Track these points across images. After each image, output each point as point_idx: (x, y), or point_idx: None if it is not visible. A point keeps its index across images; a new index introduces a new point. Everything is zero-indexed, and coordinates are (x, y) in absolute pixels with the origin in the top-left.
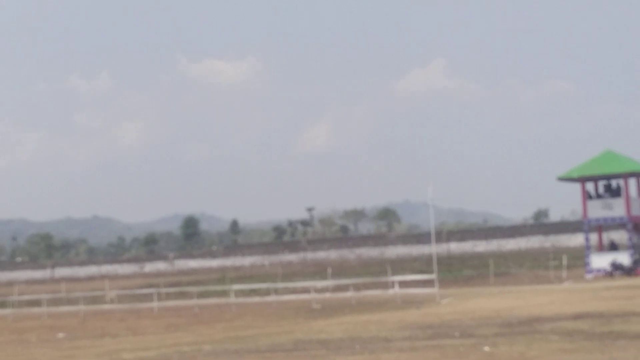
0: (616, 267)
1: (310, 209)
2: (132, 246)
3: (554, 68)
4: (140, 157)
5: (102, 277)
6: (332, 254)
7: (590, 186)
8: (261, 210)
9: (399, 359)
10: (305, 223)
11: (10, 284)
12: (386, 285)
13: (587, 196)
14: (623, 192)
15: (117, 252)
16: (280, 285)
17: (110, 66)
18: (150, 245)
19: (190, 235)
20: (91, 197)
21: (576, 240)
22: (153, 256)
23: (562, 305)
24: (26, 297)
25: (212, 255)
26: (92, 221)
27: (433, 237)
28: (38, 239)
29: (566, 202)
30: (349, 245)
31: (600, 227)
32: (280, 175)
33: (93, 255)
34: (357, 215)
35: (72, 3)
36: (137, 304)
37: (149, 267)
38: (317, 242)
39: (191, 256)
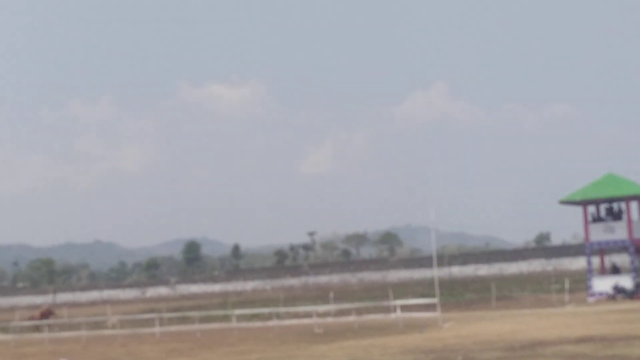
0: (618, 290)
1: (311, 234)
2: (134, 271)
3: (555, 91)
4: (141, 182)
5: (104, 302)
6: (334, 278)
7: (592, 209)
8: (263, 235)
9: None
10: (307, 247)
11: (11, 309)
12: (388, 310)
13: (589, 219)
14: (625, 215)
15: (118, 277)
16: (282, 309)
17: (112, 92)
18: (152, 270)
19: (192, 260)
20: (92, 222)
21: (578, 263)
22: (155, 281)
23: (564, 329)
24: (28, 323)
25: (214, 280)
26: (94, 246)
27: (435, 261)
28: (39, 264)
29: (568, 226)
30: (351, 270)
31: (602, 250)
32: (281, 199)
33: (94, 280)
34: (359, 239)
35: (73, 29)
36: (139, 329)
37: (151, 292)
38: (319, 267)
39: (193, 281)
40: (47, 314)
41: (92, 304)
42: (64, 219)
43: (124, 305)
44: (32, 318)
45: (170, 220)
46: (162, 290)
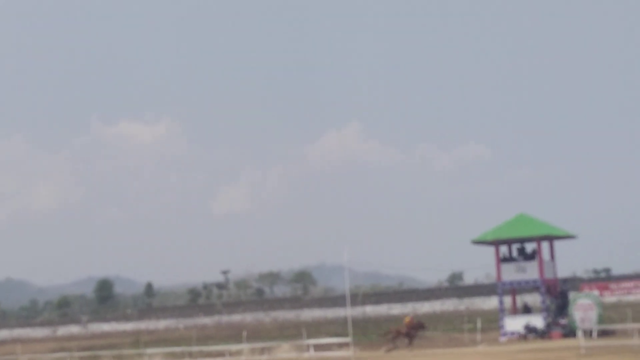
0: (530, 329)
1: (225, 272)
2: (45, 309)
3: (468, 132)
4: (54, 220)
5: (14, 340)
6: (247, 317)
7: (504, 249)
8: (176, 274)
9: None
10: (220, 286)
11: None
12: (302, 348)
13: (501, 259)
14: (536, 255)
15: (29, 315)
16: (195, 348)
17: (24, 129)
18: (64, 309)
19: (105, 299)
20: (3, 260)
21: (490, 303)
22: (66, 319)
23: None
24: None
25: (127, 318)
26: (4, 284)
27: (348, 300)
28: None
29: (480, 265)
30: (265, 308)
31: (514, 290)
32: (195, 237)
33: (5, 319)
34: (273, 278)
35: None
36: None
37: (62, 330)
38: (233, 305)
39: (105, 319)
40: (416, 326)
41: (2, 342)
42: None
43: (35, 344)
44: (397, 332)
45: (82, 258)
46: (74, 329)
